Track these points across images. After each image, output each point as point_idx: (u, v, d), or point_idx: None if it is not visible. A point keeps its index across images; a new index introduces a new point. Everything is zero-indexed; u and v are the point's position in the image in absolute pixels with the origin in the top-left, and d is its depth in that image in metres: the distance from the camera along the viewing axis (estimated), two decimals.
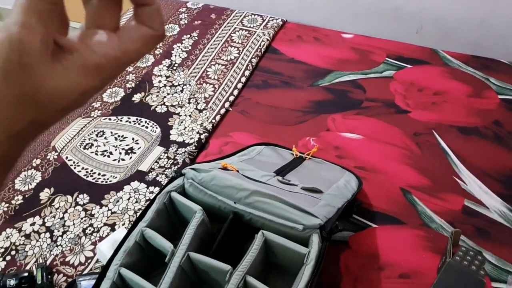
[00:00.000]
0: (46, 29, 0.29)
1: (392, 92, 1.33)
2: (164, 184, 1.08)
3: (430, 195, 1.07)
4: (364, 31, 1.62)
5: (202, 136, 1.21)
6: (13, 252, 1.00)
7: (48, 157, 1.19)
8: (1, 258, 0.99)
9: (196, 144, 1.20)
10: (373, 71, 1.39)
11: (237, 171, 0.95)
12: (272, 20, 1.59)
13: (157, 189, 1.09)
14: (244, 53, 1.46)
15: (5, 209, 1.08)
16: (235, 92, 1.34)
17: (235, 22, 1.60)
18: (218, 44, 1.51)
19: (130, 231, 0.79)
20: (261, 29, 1.55)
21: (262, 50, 1.47)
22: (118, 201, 1.07)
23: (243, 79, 1.38)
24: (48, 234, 1.03)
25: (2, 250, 1.00)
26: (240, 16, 1.63)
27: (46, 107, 0.31)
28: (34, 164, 1.17)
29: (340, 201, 0.92)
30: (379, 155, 1.17)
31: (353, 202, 0.98)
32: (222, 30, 1.57)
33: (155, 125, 1.26)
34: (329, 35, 1.53)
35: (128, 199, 1.08)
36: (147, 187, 1.10)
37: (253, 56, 1.45)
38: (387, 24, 1.68)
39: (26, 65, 0.29)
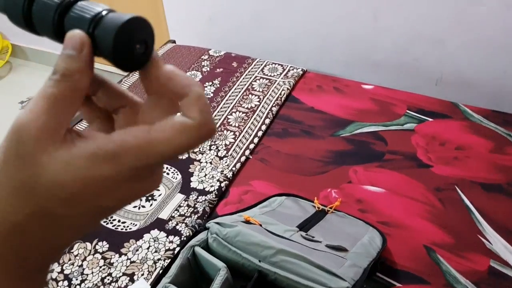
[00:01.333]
0: (55, 117, 0.28)
1: (413, 145, 1.32)
2: (186, 235, 1.08)
3: (454, 253, 1.04)
4: (383, 81, 1.64)
5: (223, 184, 1.21)
6: None
7: None
8: None
9: (217, 192, 1.19)
10: (394, 123, 1.39)
11: (260, 225, 0.94)
12: (293, 69, 1.61)
13: (177, 238, 1.08)
14: (265, 101, 1.48)
15: None
16: (256, 140, 1.35)
17: (256, 71, 1.62)
18: (239, 92, 1.53)
19: (154, 287, 0.78)
20: (282, 78, 1.57)
21: (283, 98, 1.49)
22: (137, 250, 1.06)
23: (264, 127, 1.39)
24: (66, 283, 1.01)
25: None
26: (261, 64, 1.65)
27: (45, 199, 0.28)
28: None
29: (366, 261, 0.90)
30: (402, 210, 1.16)
31: (377, 260, 0.96)
32: (244, 78, 1.59)
33: (176, 172, 1.26)
34: (349, 85, 1.55)
35: (148, 248, 1.07)
36: (167, 236, 1.09)
37: (274, 105, 1.46)
38: (406, 75, 1.70)
39: (25, 154, 0.27)
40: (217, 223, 0.87)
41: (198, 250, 0.84)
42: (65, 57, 0.28)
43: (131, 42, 0.29)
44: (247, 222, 0.94)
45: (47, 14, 0.30)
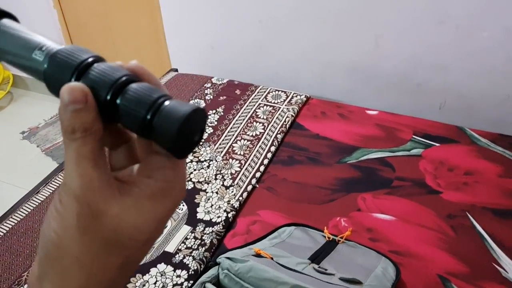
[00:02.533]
0: (101, 169, 0.29)
1: (422, 171, 1.31)
2: (194, 269, 1.05)
3: (470, 283, 1.02)
4: (386, 105, 1.64)
5: (230, 215, 1.19)
6: None
7: None
8: None
9: (224, 223, 1.17)
10: (401, 148, 1.38)
11: (272, 258, 0.92)
12: (296, 96, 1.61)
13: (184, 272, 1.05)
14: (269, 129, 1.47)
15: None
16: (262, 168, 1.33)
17: (259, 98, 1.62)
18: (244, 119, 1.52)
19: None
20: (285, 105, 1.57)
21: (287, 125, 1.48)
22: (144, 286, 1.03)
23: (269, 155, 1.38)
24: None
25: None
26: (264, 92, 1.65)
27: (131, 247, 0.29)
28: None
29: None
30: (413, 238, 1.13)
31: None
32: (247, 105, 1.58)
33: (182, 203, 1.24)
34: (353, 111, 1.54)
35: (155, 283, 1.04)
36: (174, 270, 1.06)
37: (279, 132, 1.45)
38: (409, 100, 1.69)
39: (98, 213, 0.28)
40: (228, 258, 0.84)
41: (209, 286, 0.81)
42: (75, 113, 0.28)
43: (191, 134, 0.29)
44: (258, 255, 0.91)
45: (100, 93, 0.29)
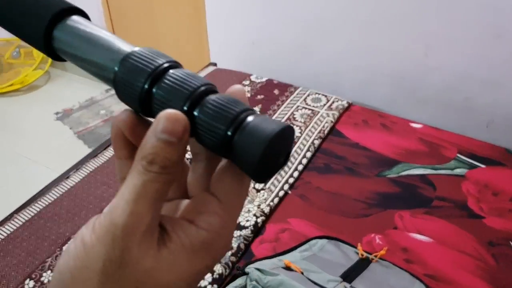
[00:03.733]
0: (156, 213, 0.25)
1: (464, 192, 1.24)
2: (219, 273, 1.01)
3: None
4: (430, 118, 1.57)
5: (259, 220, 1.15)
6: None
7: None
8: None
9: (252, 228, 1.13)
10: (444, 167, 1.31)
11: (302, 272, 0.87)
12: (337, 101, 1.55)
13: (208, 275, 1.02)
14: (307, 133, 1.42)
15: (51, 278, 1.02)
16: (295, 174, 1.29)
17: (298, 100, 1.57)
18: (280, 121, 1.48)
19: None
20: (325, 110, 1.51)
21: (326, 131, 1.42)
22: None
23: (304, 161, 1.33)
24: None
25: None
26: (304, 94, 1.60)
27: None
28: None
29: None
30: (450, 263, 1.07)
31: None
32: (285, 107, 1.54)
33: None
34: (396, 122, 1.47)
35: None
36: None
37: (316, 137, 1.40)
38: (454, 114, 1.61)
39: (129, 262, 0.24)
40: (257, 269, 0.80)
41: None
42: (164, 144, 0.24)
43: (276, 156, 0.26)
44: (288, 268, 0.87)
45: (176, 103, 0.26)
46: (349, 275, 0.93)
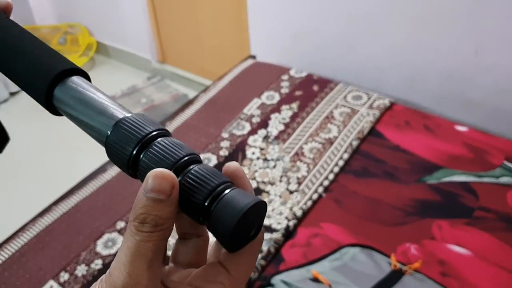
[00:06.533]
0: (156, 271, 0.26)
1: (509, 204, 1.17)
2: (249, 280, 1.01)
3: None
4: (477, 121, 1.49)
5: (291, 223, 1.13)
6: None
7: None
8: None
9: (284, 232, 1.11)
10: (489, 174, 1.24)
11: (330, 285, 0.85)
12: (379, 99, 1.49)
13: None
14: (345, 133, 1.38)
15: (84, 272, 1.05)
16: (331, 176, 1.25)
17: (337, 98, 1.52)
18: (318, 119, 1.44)
19: None
20: (366, 109, 1.46)
21: (365, 132, 1.38)
22: None
23: (341, 163, 1.29)
24: None
25: None
26: (344, 91, 1.55)
27: None
28: (118, 227, 1.14)
29: None
30: (490, 279, 1.01)
31: None
32: (324, 104, 1.50)
33: None
34: (441, 124, 1.40)
35: None
36: None
37: (354, 138, 1.35)
38: (504, 119, 1.52)
39: None
40: (283, 281, 0.78)
41: None
42: (153, 203, 0.25)
43: (248, 228, 0.28)
44: (315, 279, 0.85)
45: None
46: None
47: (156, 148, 0.28)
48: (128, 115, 0.30)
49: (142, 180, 0.28)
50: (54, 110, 0.33)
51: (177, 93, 2.48)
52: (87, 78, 0.34)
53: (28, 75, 0.32)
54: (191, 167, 0.28)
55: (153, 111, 2.34)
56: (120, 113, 0.30)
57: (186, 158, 0.28)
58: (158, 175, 0.25)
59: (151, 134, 0.29)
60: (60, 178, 1.83)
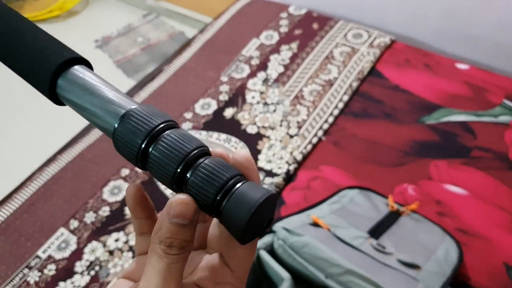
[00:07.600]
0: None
1: (506, 142, 1.18)
2: None
3: None
4: (479, 58, 1.46)
5: (291, 167, 1.15)
6: (97, 268, 1.01)
7: (137, 169, 1.19)
8: (87, 272, 1.00)
9: (284, 176, 1.14)
10: (487, 113, 1.25)
11: (329, 229, 0.89)
12: (380, 37, 1.47)
13: None
14: (345, 74, 1.37)
15: (93, 219, 1.09)
16: (330, 119, 1.26)
17: (337, 36, 1.49)
18: (317, 60, 1.42)
19: None
20: (366, 47, 1.44)
21: (365, 72, 1.37)
22: None
23: (341, 105, 1.29)
24: (130, 254, 1.03)
25: (88, 263, 1.02)
26: (344, 28, 1.51)
27: None
28: (122, 174, 1.17)
29: (439, 282, 0.84)
30: (485, 218, 1.05)
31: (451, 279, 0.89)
32: (324, 44, 1.47)
33: (244, 147, 1.22)
34: (441, 62, 1.39)
35: None
36: None
37: (354, 79, 1.35)
38: (508, 57, 1.49)
39: None
40: (284, 228, 0.82)
41: (263, 254, 0.81)
42: (179, 228, 0.27)
43: (260, 221, 0.28)
44: (315, 224, 0.89)
45: (171, 165, 0.28)
46: (377, 230, 0.94)
47: (166, 141, 0.28)
48: (135, 106, 0.30)
49: (152, 174, 0.30)
50: (57, 100, 0.33)
51: (173, 31, 2.42)
52: (90, 67, 0.33)
53: (31, 64, 0.32)
54: (200, 160, 0.28)
55: (150, 50, 2.30)
56: (127, 104, 0.30)
57: (195, 151, 0.28)
58: (184, 201, 0.27)
59: (159, 127, 0.29)
60: (62, 126, 1.84)
